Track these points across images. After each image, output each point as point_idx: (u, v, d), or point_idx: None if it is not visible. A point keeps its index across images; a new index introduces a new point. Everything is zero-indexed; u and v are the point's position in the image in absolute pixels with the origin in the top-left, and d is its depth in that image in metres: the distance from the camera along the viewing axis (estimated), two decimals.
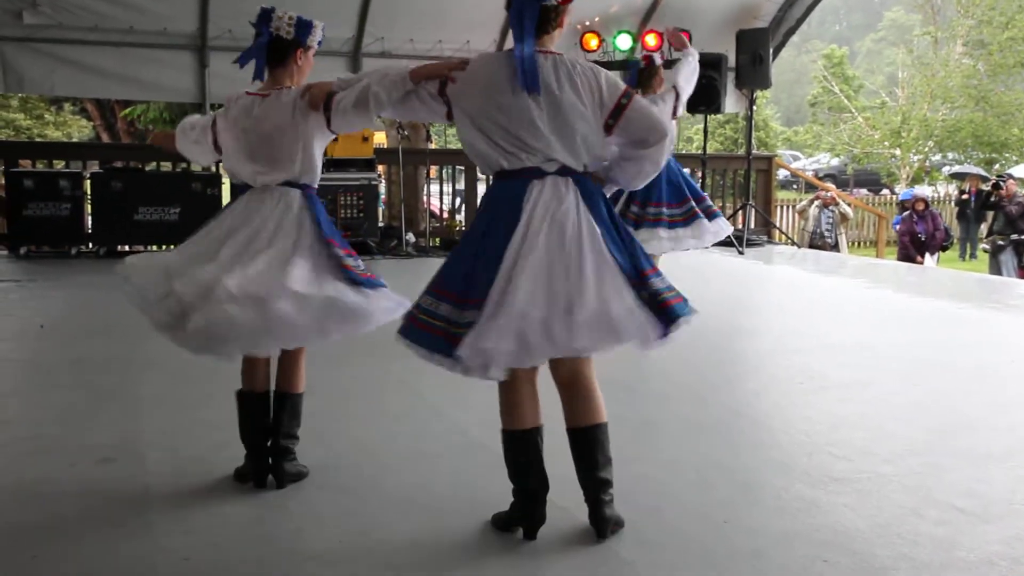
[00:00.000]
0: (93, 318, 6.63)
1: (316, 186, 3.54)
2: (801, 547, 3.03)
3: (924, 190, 18.41)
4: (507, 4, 3.05)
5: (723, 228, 6.66)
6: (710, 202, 6.70)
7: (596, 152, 3.08)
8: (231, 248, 3.33)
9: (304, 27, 3.51)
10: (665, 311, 2.97)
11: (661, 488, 3.57)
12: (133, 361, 5.27)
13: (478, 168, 3.26)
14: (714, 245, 11.61)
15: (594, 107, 3.02)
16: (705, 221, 6.47)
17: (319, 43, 3.61)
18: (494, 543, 3.05)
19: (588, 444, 3.07)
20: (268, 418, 3.58)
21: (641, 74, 6.45)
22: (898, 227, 15.27)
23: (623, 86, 3.06)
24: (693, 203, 6.48)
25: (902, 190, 24.44)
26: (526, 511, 3.07)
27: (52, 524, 3.17)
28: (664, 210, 6.41)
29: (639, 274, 2.98)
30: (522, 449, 3.06)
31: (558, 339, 2.86)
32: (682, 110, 6.46)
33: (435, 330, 2.93)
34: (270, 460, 3.53)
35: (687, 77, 6.33)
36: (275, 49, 3.50)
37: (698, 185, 6.83)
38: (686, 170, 7.25)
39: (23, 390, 5.04)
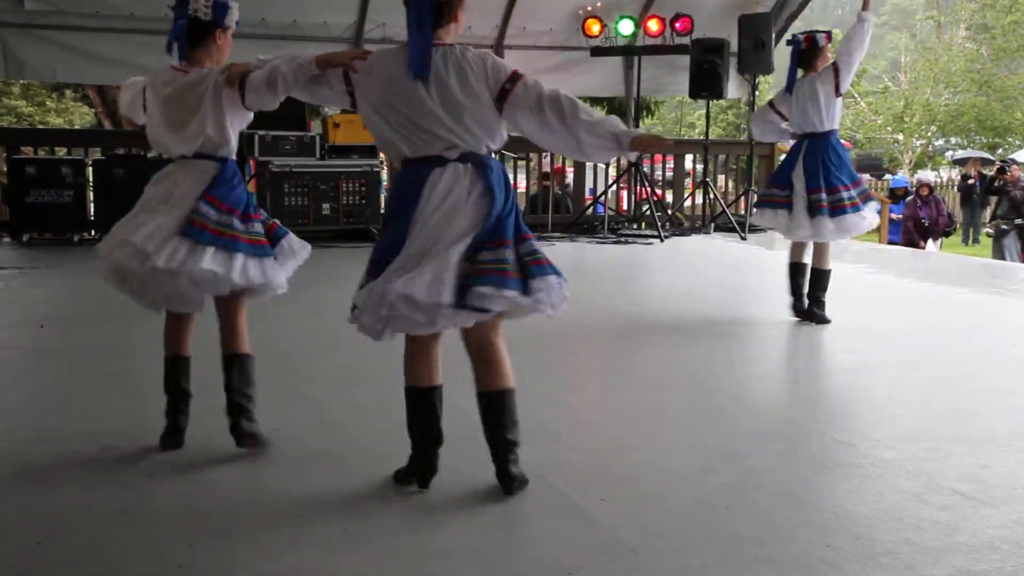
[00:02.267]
0: (95, 305, 6.62)
1: (233, 158, 3.71)
2: (803, 532, 3.03)
3: (927, 175, 18.35)
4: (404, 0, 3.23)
5: (844, 226, 6.13)
6: (843, 195, 6.08)
7: (499, 133, 3.27)
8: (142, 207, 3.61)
9: (221, 8, 3.65)
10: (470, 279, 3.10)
11: (663, 474, 3.57)
12: (135, 348, 5.27)
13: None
14: (716, 231, 11.79)
15: (486, 91, 3.19)
16: (824, 217, 6.06)
17: (236, 23, 3.75)
18: (498, 532, 3.05)
19: (494, 408, 3.28)
20: (187, 382, 3.78)
21: (802, 55, 6.24)
22: (898, 215, 15.21)
23: (509, 70, 3.21)
24: (820, 194, 6.06)
25: (905, 176, 24.37)
26: (419, 461, 3.33)
27: (56, 511, 3.18)
28: (846, 193, 6.08)
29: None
30: (417, 405, 3.32)
31: (422, 316, 3.09)
32: (845, 87, 6.18)
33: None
34: (229, 420, 3.70)
35: (851, 48, 6.13)
36: (195, 31, 3.65)
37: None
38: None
39: (25, 378, 5.05)
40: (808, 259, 6.37)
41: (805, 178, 6.11)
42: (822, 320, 6.27)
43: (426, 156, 3.19)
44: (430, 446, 3.33)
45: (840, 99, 6.21)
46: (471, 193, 3.17)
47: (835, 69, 6.14)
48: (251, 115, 3.70)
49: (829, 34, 6.44)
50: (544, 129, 3.21)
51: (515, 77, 3.19)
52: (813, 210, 6.05)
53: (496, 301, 3.11)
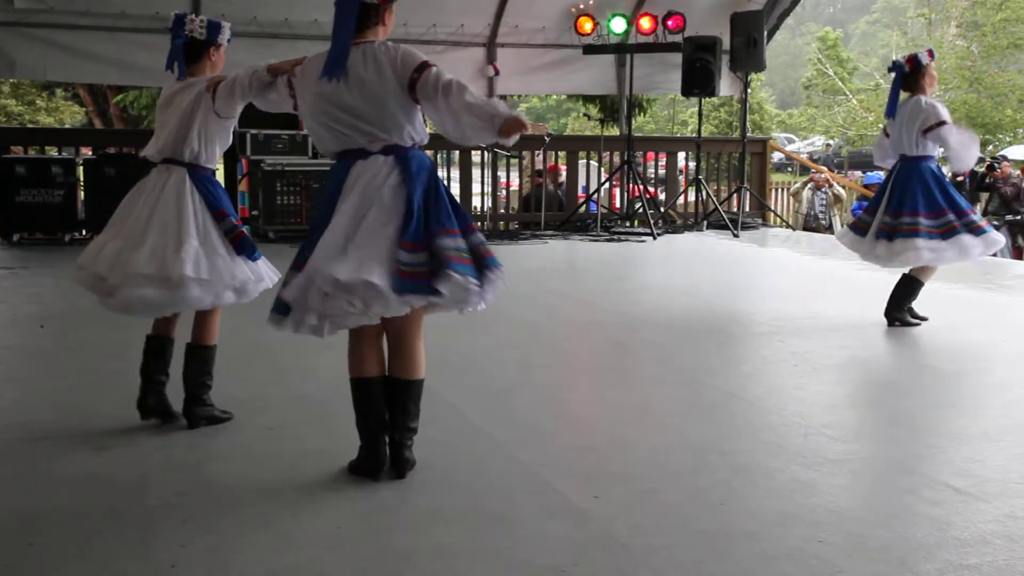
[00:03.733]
0: (87, 305, 6.59)
1: (209, 166, 3.96)
2: (796, 528, 3.04)
3: None
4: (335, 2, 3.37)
5: (992, 242, 6.01)
6: (975, 216, 6.06)
7: (420, 124, 3.38)
8: (135, 224, 3.85)
9: (214, 28, 4.02)
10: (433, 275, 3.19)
11: (657, 471, 3.58)
12: (129, 347, 5.24)
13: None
14: (709, 228, 11.80)
15: (397, 81, 3.30)
16: (965, 237, 5.85)
17: (228, 40, 4.08)
18: (493, 529, 3.05)
19: (400, 395, 3.42)
20: (164, 361, 4.07)
21: (907, 78, 6.07)
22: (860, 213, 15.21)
23: (418, 60, 3.31)
24: (952, 216, 5.89)
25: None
26: (368, 453, 3.43)
27: (48, 512, 3.17)
28: (921, 220, 5.88)
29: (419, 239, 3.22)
30: (363, 395, 3.43)
31: (357, 301, 3.18)
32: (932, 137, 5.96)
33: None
34: (183, 403, 3.99)
35: (957, 155, 6.03)
36: (191, 49, 4.00)
37: (961, 197, 6.12)
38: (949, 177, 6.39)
39: (18, 377, 5.03)
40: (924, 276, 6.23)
41: (912, 204, 5.93)
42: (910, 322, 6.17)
43: (350, 149, 3.35)
44: (378, 437, 3.43)
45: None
46: (387, 183, 3.27)
47: (935, 124, 5.91)
48: (229, 131, 4.00)
49: (931, 51, 6.27)
50: (439, 112, 3.29)
51: (422, 67, 3.29)
52: (931, 234, 5.88)
53: (456, 287, 3.19)
